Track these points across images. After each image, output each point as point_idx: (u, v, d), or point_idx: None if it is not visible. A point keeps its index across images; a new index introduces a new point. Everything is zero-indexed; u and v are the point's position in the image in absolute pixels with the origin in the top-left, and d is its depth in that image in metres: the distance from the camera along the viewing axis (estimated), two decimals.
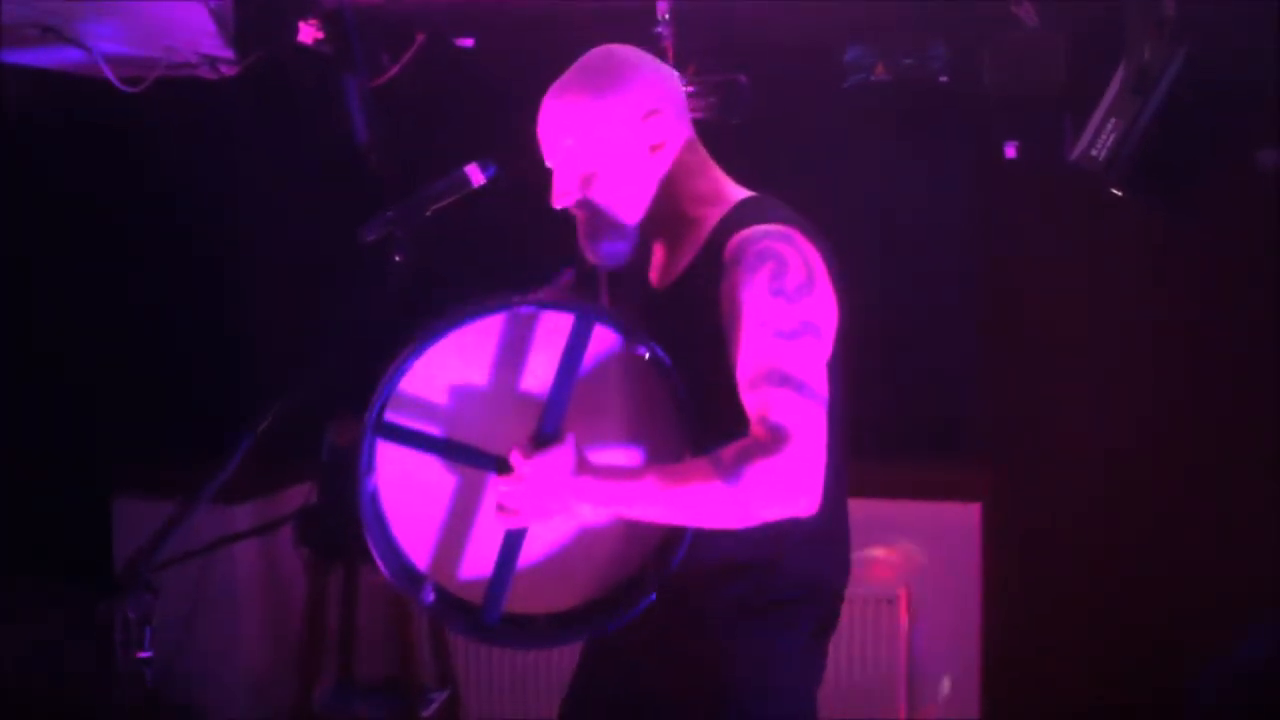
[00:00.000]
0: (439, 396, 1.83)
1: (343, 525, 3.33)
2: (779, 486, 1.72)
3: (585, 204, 1.96)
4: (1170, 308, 3.49)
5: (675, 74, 2.04)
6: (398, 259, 1.93)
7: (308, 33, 3.28)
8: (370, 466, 1.81)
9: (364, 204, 2.07)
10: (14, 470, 3.62)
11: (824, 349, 1.85)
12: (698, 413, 1.84)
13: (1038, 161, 3.40)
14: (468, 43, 3.51)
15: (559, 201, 1.97)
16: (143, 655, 1.81)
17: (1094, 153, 3.04)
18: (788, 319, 1.79)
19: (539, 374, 1.83)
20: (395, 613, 3.68)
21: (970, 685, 3.62)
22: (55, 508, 3.71)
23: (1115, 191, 3.16)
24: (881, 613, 3.61)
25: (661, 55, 3.25)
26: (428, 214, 1.97)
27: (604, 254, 1.98)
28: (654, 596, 1.86)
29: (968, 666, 3.63)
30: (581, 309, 1.83)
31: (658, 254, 2.04)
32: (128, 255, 3.88)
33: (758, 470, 1.72)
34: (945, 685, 3.63)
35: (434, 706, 3.63)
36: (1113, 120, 3.02)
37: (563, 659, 2.58)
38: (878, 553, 3.62)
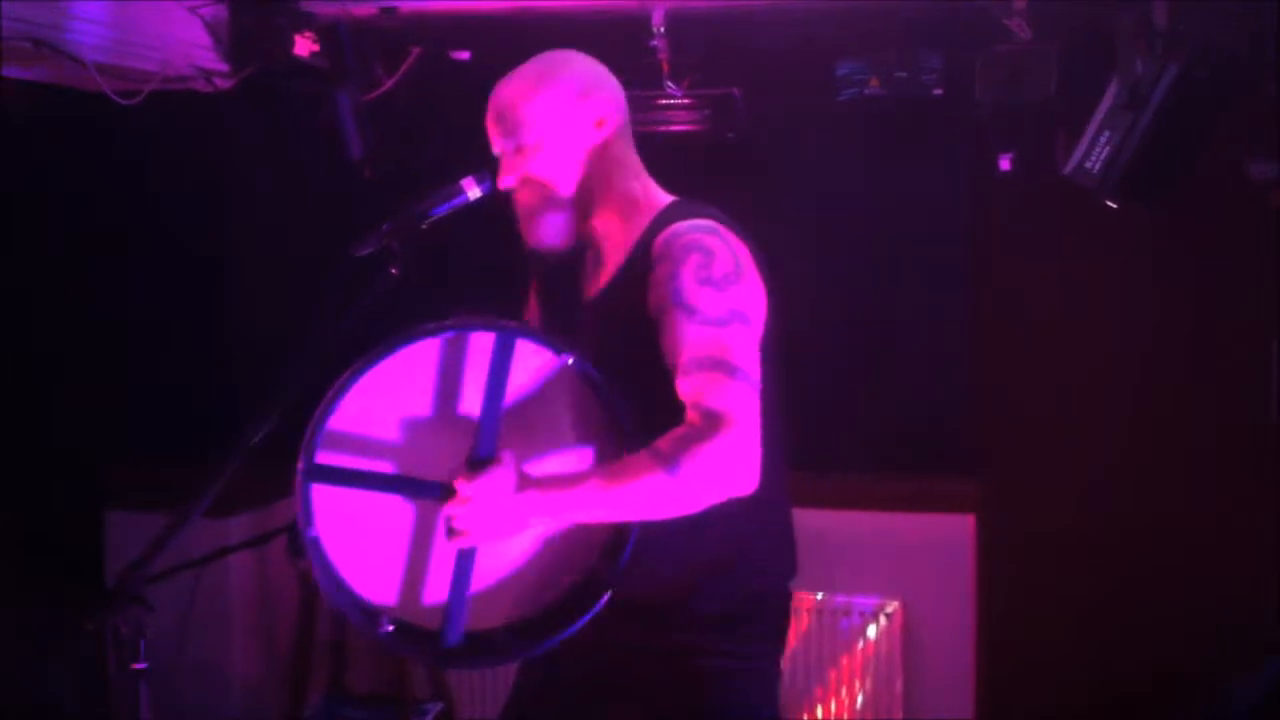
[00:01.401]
0: (371, 431, 1.83)
1: None
2: (718, 469, 1.77)
3: (528, 180, 2.01)
4: (1163, 319, 3.50)
5: (615, 79, 2.10)
6: (393, 272, 1.94)
7: (303, 46, 3.29)
8: (309, 517, 1.81)
9: (359, 217, 2.07)
10: (5, 482, 3.61)
11: (754, 336, 1.89)
12: (633, 411, 1.87)
13: (1031, 174, 3.41)
14: (463, 56, 3.52)
15: (506, 179, 2.02)
16: (137, 666, 1.80)
17: (1088, 165, 3.05)
18: (716, 306, 1.84)
19: (469, 395, 1.84)
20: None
21: (965, 696, 3.62)
22: (47, 520, 3.70)
23: (1110, 204, 3.17)
24: (877, 625, 3.61)
25: (657, 68, 3.27)
26: (423, 227, 1.98)
27: (545, 233, 2.02)
28: (608, 596, 1.88)
29: (963, 677, 3.62)
30: (501, 326, 1.85)
31: (590, 264, 2.09)
32: (122, 267, 3.88)
33: (696, 456, 1.76)
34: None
35: (428, 718, 3.62)
36: (1106, 133, 3.03)
37: None
38: (873, 564, 3.62)
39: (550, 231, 2.03)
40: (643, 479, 1.77)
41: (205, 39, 3.29)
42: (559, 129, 2.00)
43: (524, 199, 2.03)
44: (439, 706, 3.67)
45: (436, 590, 1.85)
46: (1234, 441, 3.42)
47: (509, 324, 1.87)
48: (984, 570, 3.61)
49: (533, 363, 1.86)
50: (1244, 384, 3.39)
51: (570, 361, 1.86)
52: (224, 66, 3.36)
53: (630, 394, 1.87)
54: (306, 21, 3.28)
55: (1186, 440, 3.47)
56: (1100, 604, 3.55)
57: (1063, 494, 3.58)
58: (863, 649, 3.62)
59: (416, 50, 3.48)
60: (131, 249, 3.88)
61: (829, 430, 3.47)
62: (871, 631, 3.61)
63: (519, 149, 2.01)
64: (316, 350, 1.88)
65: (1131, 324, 3.53)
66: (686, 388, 1.81)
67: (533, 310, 2.22)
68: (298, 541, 3.52)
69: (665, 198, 2.06)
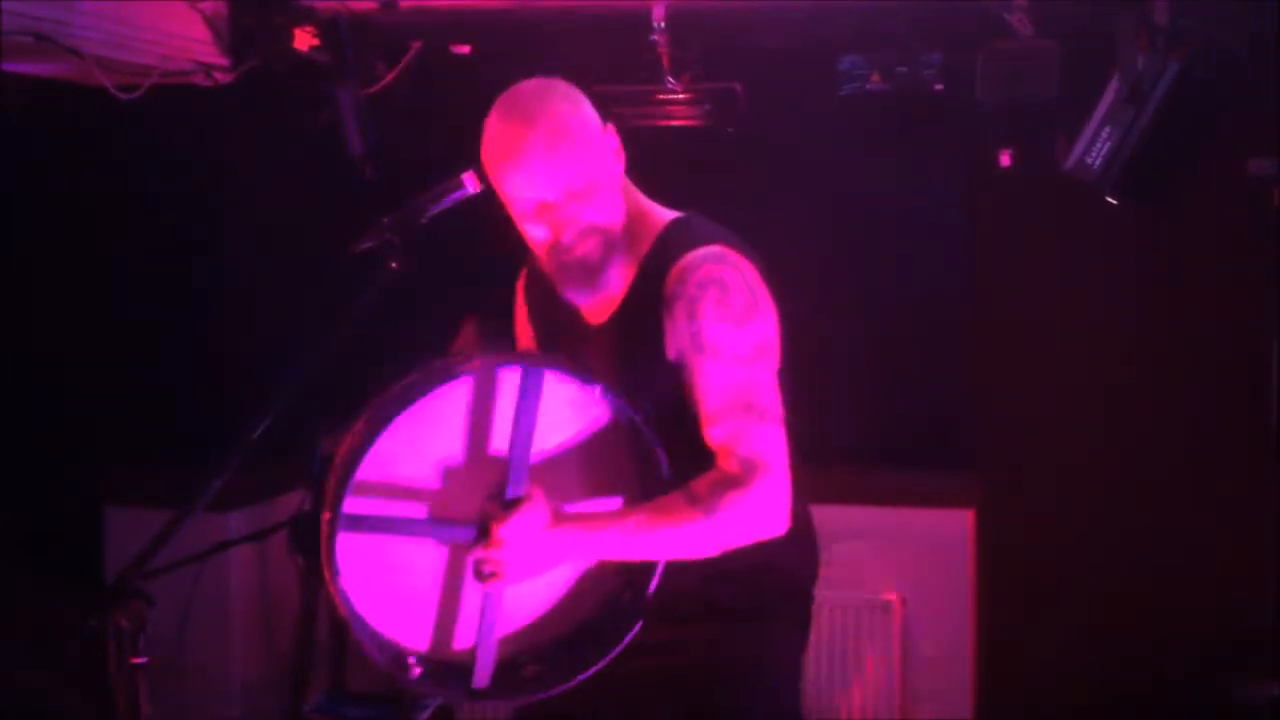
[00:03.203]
0: (398, 474, 1.81)
1: None
2: (754, 516, 1.81)
3: (586, 230, 1.89)
4: (1163, 315, 3.50)
5: None
6: (393, 266, 1.93)
7: (303, 41, 3.28)
8: (334, 568, 1.77)
9: (359, 211, 2.07)
10: (5, 478, 3.60)
11: (775, 366, 1.90)
12: (657, 444, 1.85)
13: (1032, 171, 3.40)
14: (463, 50, 3.51)
15: (569, 231, 1.88)
16: (137, 662, 1.80)
17: (1089, 160, 3.05)
18: (740, 344, 1.84)
19: (496, 432, 1.82)
20: None
21: (964, 690, 3.62)
22: (47, 516, 3.70)
23: (1110, 199, 3.17)
24: (876, 619, 3.61)
25: (657, 63, 3.27)
26: (423, 221, 1.97)
27: (601, 285, 1.93)
28: (640, 624, 1.87)
29: (961, 671, 3.63)
30: (527, 359, 1.84)
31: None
32: (121, 261, 3.87)
33: (733, 503, 1.79)
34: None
35: (427, 714, 3.62)
36: (1107, 129, 3.03)
37: None
38: (872, 559, 3.62)
39: (608, 286, 1.95)
40: (679, 521, 1.80)
41: (205, 33, 3.29)
42: (601, 167, 1.90)
43: (584, 251, 1.90)
44: (438, 703, 3.67)
45: (466, 631, 1.85)
46: (1234, 438, 3.42)
47: (534, 356, 1.87)
48: (983, 564, 3.62)
49: (566, 395, 1.83)
50: (1244, 381, 3.39)
51: (599, 393, 1.83)
52: (224, 61, 3.35)
53: (656, 427, 1.86)
54: (306, 16, 3.28)
55: (1186, 436, 3.47)
56: (1099, 598, 3.55)
57: (1062, 489, 3.58)
58: (862, 643, 3.61)
59: (416, 45, 3.47)
60: (131, 242, 3.87)
61: (829, 424, 3.47)
62: (872, 624, 3.61)
63: (571, 196, 1.87)
64: (318, 345, 1.88)
65: (1131, 320, 3.53)
66: (717, 433, 1.83)
67: (522, 330, 2.17)
68: (298, 537, 3.54)
69: (663, 213, 2.00)
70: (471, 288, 2.08)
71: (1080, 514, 3.56)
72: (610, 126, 1.95)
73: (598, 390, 1.83)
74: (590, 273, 1.92)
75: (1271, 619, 3.23)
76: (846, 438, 3.62)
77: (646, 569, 1.87)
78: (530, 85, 1.93)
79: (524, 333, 2.18)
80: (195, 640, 3.53)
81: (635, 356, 1.92)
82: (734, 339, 1.84)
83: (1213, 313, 3.45)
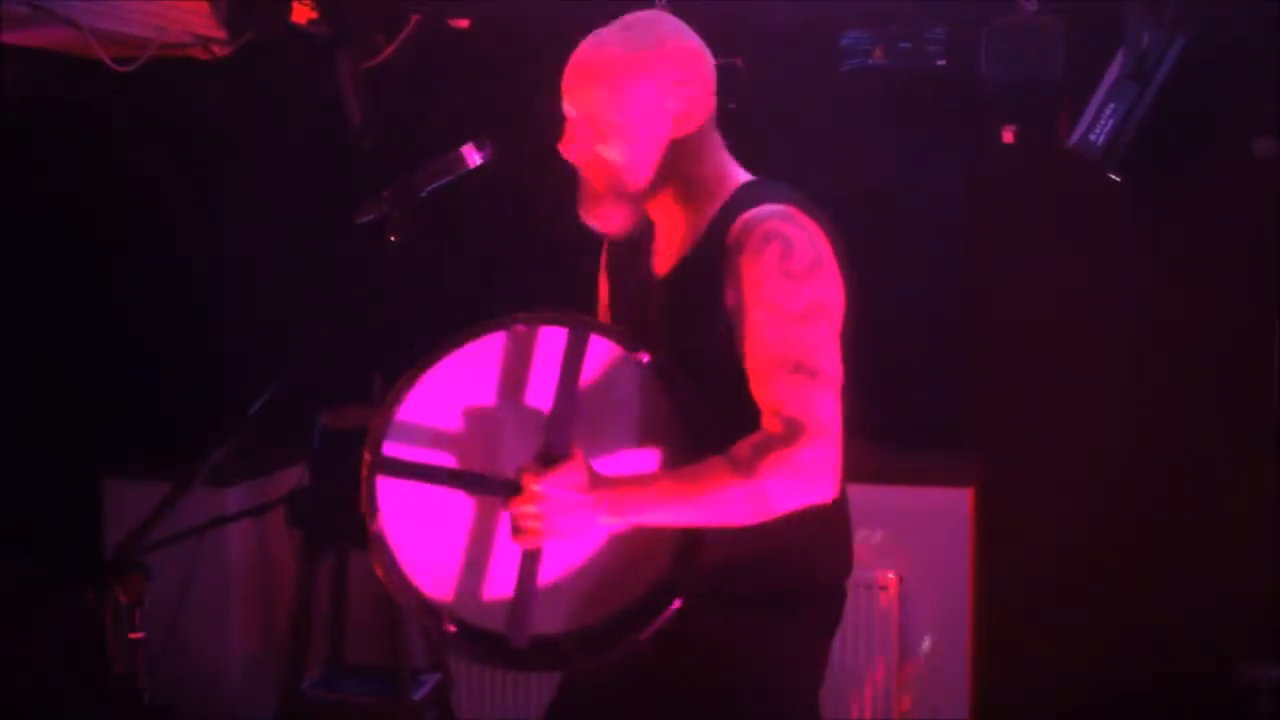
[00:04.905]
0: (439, 424, 1.79)
1: (334, 509, 3.32)
2: (796, 479, 1.72)
3: (594, 159, 1.89)
4: (1165, 294, 3.48)
5: (711, 57, 1.97)
6: (393, 239, 1.92)
7: (300, 13, 3.26)
8: (374, 509, 1.77)
9: (358, 185, 2.06)
10: (2, 451, 3.60)
11: (835, 328, 1.83)
12: (705, 409, 1.80)
13: (1034, 148, 3.39)
14: (463, 23, 3.49)
15: (570, 150, 1.90)
16: (136, 636, 1.80)
17: (1092, 138, 3.04)
18: (797, 300, 1.77)
19: (539, 391, 1.80)
20: (386, 596, 3.67)
21: (961, 667, 3.63)
22: (45, 489, 3.70)
23: (1113, 176, 3.15)
24: (873, 598, 3.62)
25: None
26: (423, 194, 1.96)
27: (602, 218, 1.92)
28: (681, 602, 1.82)
29: (959, 649, 3.63)
30: (575, 322, 1.80)
31: (659, 240, 2.00)
32: (119, 235, 3.86)
33: (776, 465, 1.71)
34: (927, 645, 3.64)
35: (425, 689, 3.62)
36: (1111, 105, 3.02)
37: None
38: (869, 537, 3.62)
39: (610, 221, 1.93)
40: (718, 484, 1.72)
41: (203, 6, 3.27)
42: (643, 117, 1.87)
43: (589, 179, 1.91)
44: (437, 677, 3.68)
45: (499, 589, 1.81)
46: (1236, 418, 3.41)
47: (582, 319, 1.82)
48: (982, 544, 3.61)
49: (604, 358, 1.81)
50: (1246, 362, 3.38)
51: (646, 361, 1.80)
52: (222, 34, 3.33)
53: (703, 389, 1.80)
54: None
55: (1188, 415, 3.46)
56: (1097, 579, 3.55)
57: (1061, 469, 3.58)
58: (859, 621, 3.62)
59: (415, 17, 3.45)
60: (129, 215, 3.86)
61: None
62: (868, 603, 3.61)
63: (593, 122, 1.87)
64: (318, 319, 1.87)
65: (1133, 300, 3.52)
66: (765, 391, 1.76)
67: (603, 288, 2.14)
68: (297, 512, 3.54)
69: (740, 174, 1.97)
70: (477, 268, 2.08)
71: (1080, 494, 3.56)
72: (692, 96, 1.88)
73: (645, 358, 1.80)
74: (593, 199, 1.91)
75: (1274, 601, 3.23)
76: (847, 415, 3.60)
77: (692, 544, 1.81)
78: (649, 15, 1.94)
79: (604, 289, 2.14)
80: (193, 615, 3.54)
81: (692, 309, 1.87)
82: (791, 295, 1.77)
83: (1217, 291, 3.44)
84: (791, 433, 1.72)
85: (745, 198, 1.89)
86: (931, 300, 3.68)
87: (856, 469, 3.79)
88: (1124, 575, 3.52)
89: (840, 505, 1.97)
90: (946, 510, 3.62)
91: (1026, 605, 3.61)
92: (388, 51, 3.42)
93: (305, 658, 3.56)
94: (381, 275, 1.95)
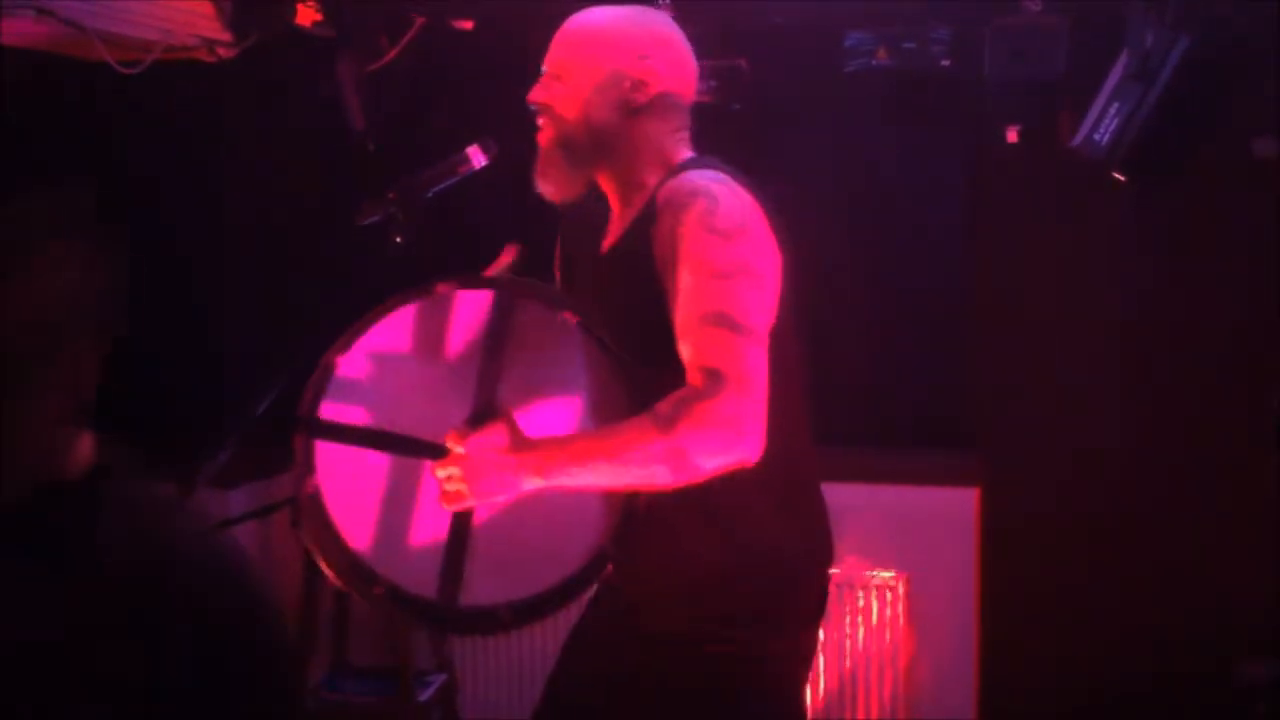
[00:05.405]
0: (372, 388, 1.81)
1: None
2: (715, 431, 1.67)
3: (549, 106, 1.96)
4: (1167, 295, 3.48)
5: (690, 53, 2.04)
6: (398, 240, 1.92)
7: (305, 15, 3.27)
8: (309, 466, 1.79)
9: (362, 187, 2.06)
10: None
11: (763, 293, 1.80)
12: (636, 367, 1.81)
13: (1038, 148, 3.38)
14: (466, 25, 3.49)
15: (533, 94, 1.98)
16: None
17: (1096, 137, 3.03)
18: (722, 256, 1.76)
19: (470, 355, 1.82)
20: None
21: (968, 669, 3.62)
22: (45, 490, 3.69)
23: (1117, 176, 3.15)
24: (880, 598, 3.61)
25: None
26: (428, 196, 1.97)
27: (550, 181, 1.98)
28: (610, 567, 1.83)
29: (966, 650, 3.63)
30: (500, 285, 1.83)
31: (612, 221, 2.04)
32: (120, 237, 3.85)
33: (692, 416, 1.66)
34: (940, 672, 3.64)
35: (430, 690, 3.63)
36: (1115, 105, 3.02)
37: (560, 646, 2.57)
38: (876, 538, 3.62)
39: (557, 186, 1.98)
40: (639, 441, 1.68)
41: (208, 8, 3.27)
42: (587, 75, 1.95)
43: (543, 131, 1.99)
44: (442, 678, 3.68)
45: (427, 555, 1.81)
46: (1240, 417, 3.41)
47: (507, 281, 1.85)
48: (988, 544, 3.61)
49: (538, 322, 1.83)
50: (1248, 361, 3.38)
51: (573, 321, 1.83)
52: (227, 36, 3.33)
53: (638, 353, 1.81)
54: None
55: (1192, 414, 3.46)
56: (1104, 579, 3.55)
57: (1067, 467, 3.58)
58: (866, 622, 3.62)
59: (419, 20, 3.45)
60: (131, 219, 3.85)
61: (833, 402, 3.46)
62: (875, 604, 3.61)
63: (556, 73, 1.97)
64: (321, 320, 1.87)
65: (1136, 299, 3.51)
66: (688, 347, 1.73)
67: (557, 269, 2.18)
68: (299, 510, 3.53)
69: (687, 154, 2.00)
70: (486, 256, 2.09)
71: (1086, 494, 3.56)
72: (653, 69, 1.95)
73: (569, 316, 1.82)
74: (544, 162, 1.98)
75: (1274, 601, 3.23)
76: (851, 416, 3.61)
77: (629, 521, 1.82)
78: (638, 4, 2.05)
79: (558, 270, 2.18)
80: None
81: (626, 274, 1.88)
82: (716, 250, 1.75)
83: (1219, 291, 3.44)
84: (712, 385, 1.68)
85: (683, 167, 1.92)
86: (935, 301, 3.68)
87: (865, 469, 3.80)
88: (1124, 575, 3.52)
89: (801, 487, 1.96)
90: (953, 510, 3.62)
91: (1033, 604, 3.61)
92: (392, 54, 3.43)
93: (309, 659, 3.57)
94: (385, 276, 1.95)
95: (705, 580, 1.90)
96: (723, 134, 3.50)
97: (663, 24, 2.03)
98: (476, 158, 1.98)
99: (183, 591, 1.10)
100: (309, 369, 1.85)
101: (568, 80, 1.96)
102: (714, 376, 1.68)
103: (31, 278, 1.06)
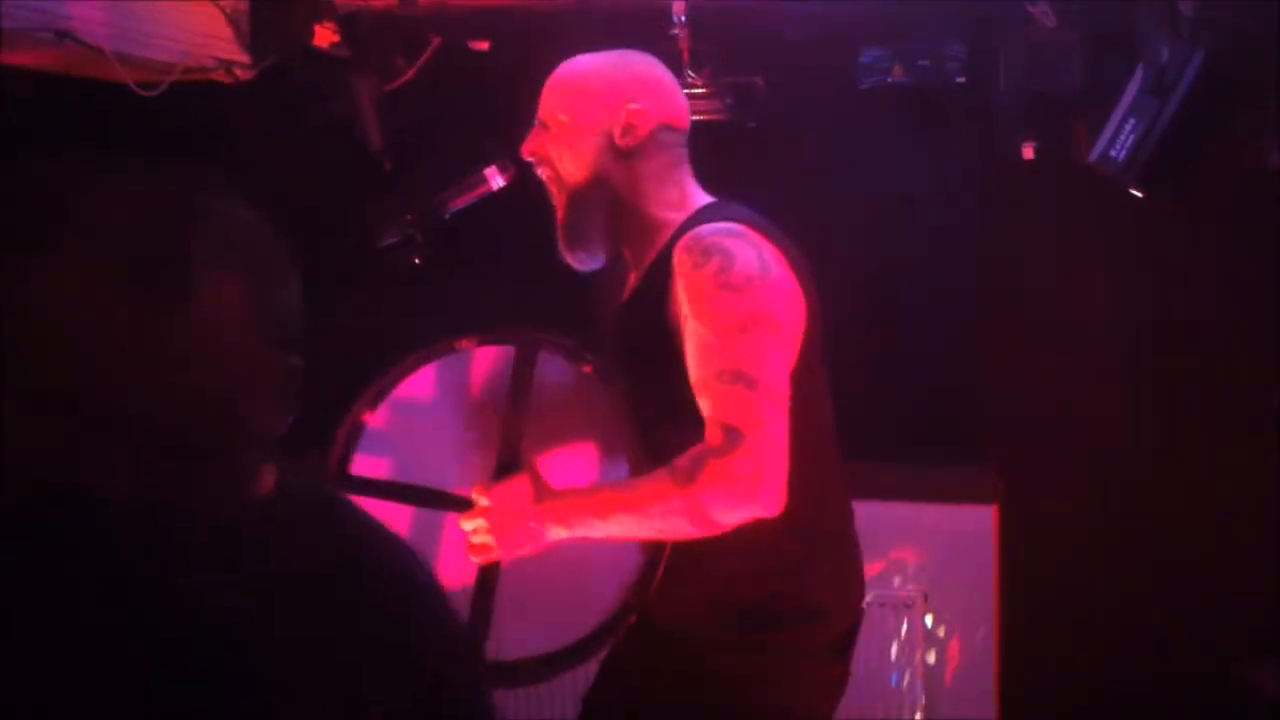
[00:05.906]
0: (398, 443, 1.83)
1: None
2: (734, 487, 1.68)
3: (543, 158, 1.96)
4: (1183, 308, 3.47)
5: (679, 90, 2.05)
6: (416, 261, 1.93)
7: (323, 37, 3.29)
8: None
9: (380, 208, 2.07)
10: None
11: (781, 341, 1.81)
12: (656, 422, 1.82)
13: (1053, 163, 3.38)
14: (482, 46, 3.51)
15: (527, 148, 1.99)
16: None
17: (1113, 154, 3.03)
18: (737, 311, 1.76)
19: (492, 408, 1.83)
20: None
21: (987, 687, 3.61)
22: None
23: (1134, 192, 3.14)
24: (899, 616, 3.60)
25: (677, 57, 3.26)
26: (446, 217, 1.98)
27: (574, 255, 1.98)
28: (634, 618, 1.84)
29: (984, 668, 3.61)
30: (521, 338, 1.84)
31: (631, 271, 2.03)
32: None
33: (711, 472, 1.69)
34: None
35: None
36: (1131, 121, 3.01)
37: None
38: (893, 555, 3.61)
39: (574, 248, 1.98)
40: (659, 495, 1.70)
41: (226, 30, 3.30)
42: (579, 123, 1.94)
43: (544, 176, 2.00)
44: None
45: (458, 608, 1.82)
46: (1258, 429, 3.39)
47: (527, 335, 1.85)
48: (1006, 561, 3.60)
49: (556, 372, 1.85)
50: (1267, 376, 3.36)
51: (588, 371, 1.83)
52: (245, 57, 3.36)
53: (657, 405, 1.83)
54: (326, 12, 3.28)
55: (1213, 430, 3.44)
56: (1124, 594, 3.53)
57: (1085, 483, 3.56)
58: (885, 639, 3.60)
59: (436, 41, 3.47)
60: None
61: (850, 419, 3.46)
62: (893, 622, 3.60)
63: (542, 124, 1.98)
64: (340, 340, 1.88)
65: (1152, 313, 3.50)
66: (707, 402, 1.74)
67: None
68: None
69: (701, 198, 2.00)
70: (505, 281, 2.10)
71: (1105, 510, 3.54)
72: (640, 111, 1.95)
73: (587, 370, 1.84)
74: (565, 231, 1.97)
75: (1274, 601, 3.21)
76: (868, 432, 3.59)
77: (650, 572, 1.82)
78: (622, 50, 2.05)
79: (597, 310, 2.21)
80: None
81: (641, 328, 1.89)
82: (730, 306, 1.76)
83: (1236, 303, 3.43)
84: (730, 442, 1.69)
85: (697, 219, 1.91)
86: (954, 316, 3.67)
87: (882, 487, 3.79)
88: (1151, 590, 3.50)
89: (828, 536, 1.96)
90: (971, 527, 3.60)
91: (1052, 621, 3.59)
92: (408, 75, 3.45)
93: None
94: (403, 295, 1.96)
95: (734, 609, 1.91)
96: (738, 151, 3.53)
97: (644, 64, 2.02)
98: (495, 178, 1.99)
99: (382, 580, 1.15)
100: (330, 390, 1.86)
101: (557, 132, 1.95)
102: (731, 433, 1.70)
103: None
